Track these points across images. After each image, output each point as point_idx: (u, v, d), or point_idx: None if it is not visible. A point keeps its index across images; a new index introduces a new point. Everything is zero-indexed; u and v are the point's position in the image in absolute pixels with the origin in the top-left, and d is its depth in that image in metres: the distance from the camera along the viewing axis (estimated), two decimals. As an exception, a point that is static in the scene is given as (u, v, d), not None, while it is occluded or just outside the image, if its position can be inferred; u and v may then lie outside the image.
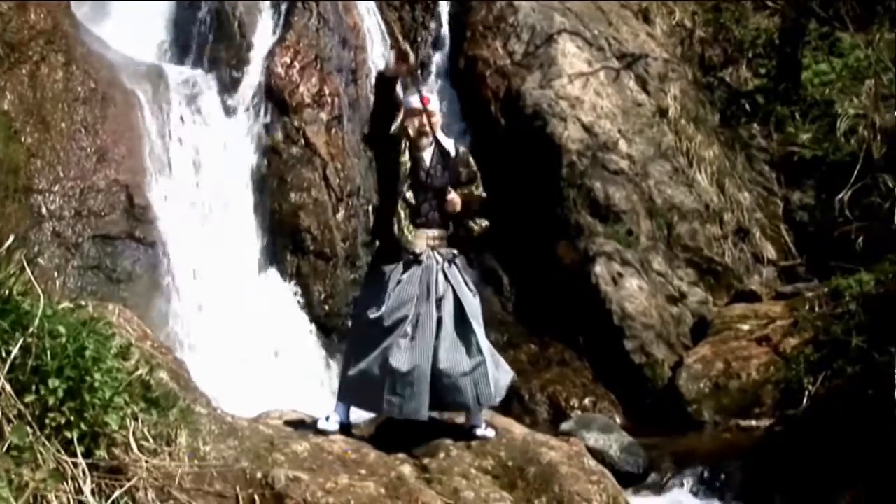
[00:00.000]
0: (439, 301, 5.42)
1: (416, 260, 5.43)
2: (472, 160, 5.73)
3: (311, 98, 9.74)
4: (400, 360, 5.32)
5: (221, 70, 9.84)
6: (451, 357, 5.37)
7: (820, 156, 10.64)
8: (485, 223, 5.72)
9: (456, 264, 5.55)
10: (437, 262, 5.47)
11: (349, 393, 5.55)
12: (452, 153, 5.62)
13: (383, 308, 5.38)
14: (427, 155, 5.54)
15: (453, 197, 5.50)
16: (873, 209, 9.37)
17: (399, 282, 5.42)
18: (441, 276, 5.45)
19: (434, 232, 5.53)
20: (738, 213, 10.30)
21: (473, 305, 5.52)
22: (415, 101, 5.45)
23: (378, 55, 10.52)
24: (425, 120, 5.44)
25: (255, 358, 8.45)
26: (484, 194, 5.70)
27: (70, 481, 3.59)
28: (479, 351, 5.41)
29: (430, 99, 5.53)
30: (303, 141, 9.55)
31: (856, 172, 9.50)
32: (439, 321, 5.40)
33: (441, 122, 5.73)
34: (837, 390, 7.16)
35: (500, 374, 5.56)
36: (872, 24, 10.66)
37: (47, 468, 3.52)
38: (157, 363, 4.58)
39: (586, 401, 8.72)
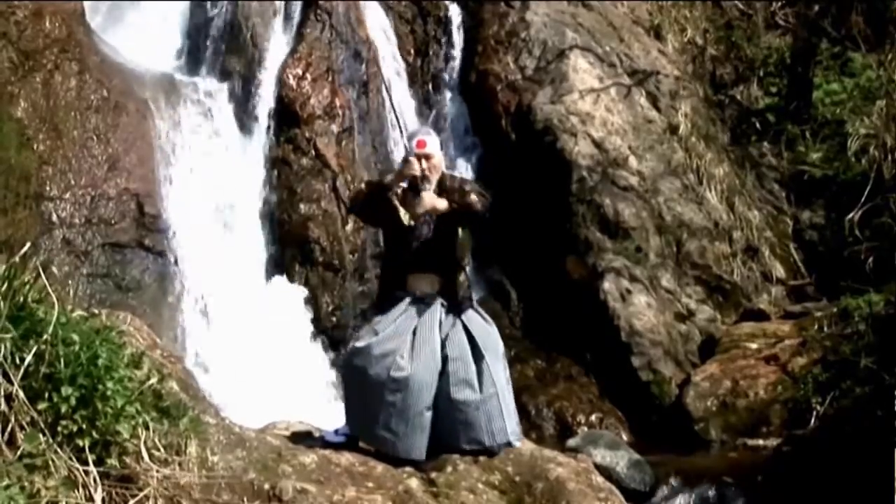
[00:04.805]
0: (445, 339, 5.29)
1: (416, 300, 5.33)
2: (462, 183, 5.48)
3: (322, 110, 9.77)
4: (395, 395, 5.20)
5: (234, 81, 9.89)
6: (460, 391, 5.25)
7: (830, 175, 10.63)
8: (475, 197, 5.26)
9: (467, 304, 5.43)
10: (442, 303, 5.34)
11: (350, 421, 5.49)
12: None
13: (375, 338, 5.28)
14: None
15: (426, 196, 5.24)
16: (883, 229, 9.35)
17: (397, 317, 5.32)
18: (444, 314, 5.32)
19: (433, 276, 5.36)
20: (747, 231, 10.29)
21: (486, 339, 5.37)
22: (412, 146, 5.36)
23: (389, 68, 10.55)
24: (425, 164, 5.29)
25: (262, 368, 8.45)
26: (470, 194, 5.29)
27: (81, 489, 3.59)
28: (493, 384, 5.29)
29: (425, 142, 5.37)
30: (313, 152, 9.58)
31: (866, 192, 9.50)
32: (445, 358, 5.27)
33: (442, 162, 5.48)
34: (846, 411, 7.15)
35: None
36: (884, 44, 10.67)
37: (59, 476, 3.53)
38: (167, 373, 4.58)
39: (593, 417, 8.70)
